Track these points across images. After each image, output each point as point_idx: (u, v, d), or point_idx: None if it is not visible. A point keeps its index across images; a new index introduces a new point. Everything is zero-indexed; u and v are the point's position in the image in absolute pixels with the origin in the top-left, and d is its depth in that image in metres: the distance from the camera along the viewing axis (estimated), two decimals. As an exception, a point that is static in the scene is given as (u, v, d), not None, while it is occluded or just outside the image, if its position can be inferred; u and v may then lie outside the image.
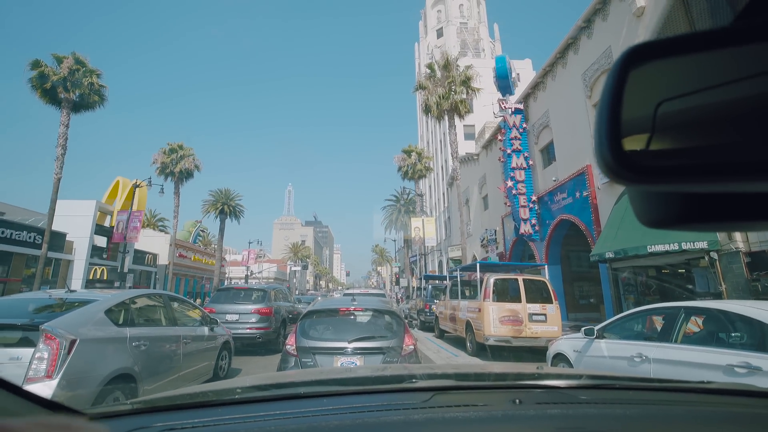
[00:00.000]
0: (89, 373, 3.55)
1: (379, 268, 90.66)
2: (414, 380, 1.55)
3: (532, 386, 1.46)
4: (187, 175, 30.07)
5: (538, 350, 8.39)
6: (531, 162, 17.53)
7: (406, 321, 5.61)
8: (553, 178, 15.76)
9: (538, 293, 9.30)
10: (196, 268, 36.93)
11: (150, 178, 25.74)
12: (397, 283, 40.39)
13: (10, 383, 0.78)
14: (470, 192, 26.69)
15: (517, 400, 1.23)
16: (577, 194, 14.10)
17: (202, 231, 54.36)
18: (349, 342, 4.40)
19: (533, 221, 17.06)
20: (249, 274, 44.49)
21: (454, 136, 20.64)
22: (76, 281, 22.28)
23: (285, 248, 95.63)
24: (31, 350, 3.16)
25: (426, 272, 29.71)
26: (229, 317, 9.70)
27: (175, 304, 5.89)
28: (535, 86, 17.33)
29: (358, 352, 4.38)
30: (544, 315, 8.99)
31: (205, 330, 6.28)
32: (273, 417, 1.13)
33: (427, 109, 21.46)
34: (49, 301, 4.35)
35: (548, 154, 16.84)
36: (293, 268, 69.99)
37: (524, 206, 17.17)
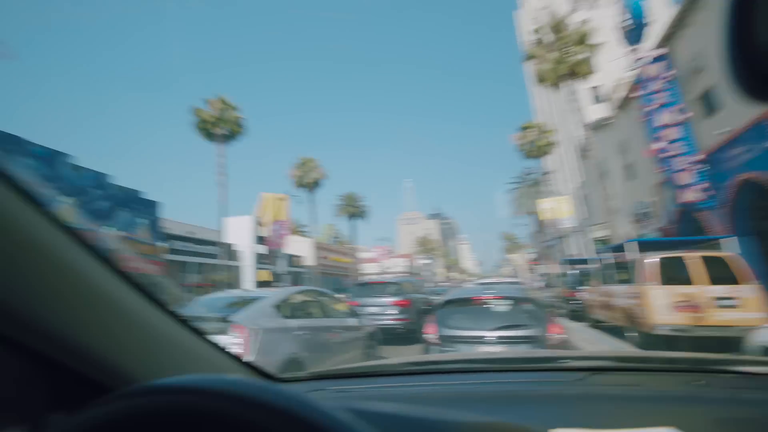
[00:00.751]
0: (270, 357, 4.21)
1: (510, 256, 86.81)
2: (565, 361, 1.46)
3: (717, 371, 1.23)
4: (316, 184, 33.70)
5: (731, 342, 6.90)
6: (688, 114, 14.54)
7: (551, 310, 5.22)
8: (721, 131, 12.78)
9: (722, 272, 7.66)
10: (335, 267, 40.88)
11: (289, 192, 29.80)
12: (533, 270, 37.99)
13: (234, 354, 0.98)
14: (609, 162, 23.50)
15: (703, 381, 1.07)
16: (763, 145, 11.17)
17: (337, 232, 59.92)
18: (491, 331, 4.29)
19: (700, 186, 14.12)
20: (383, 270, 47.34)
21: (578, 103, 18.44)
22: (248, 284, 27.01)
23: (411, 242, 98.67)
24: (227, 338, 3.90)
25: (566, 256, 27.26)
26: (370, 309, 10.38)
27: (325, 299, 6.55)
28: (678, 24, 14.27)
29: (500, 341, 4.24)
30: (736, 299, 7.35)
31: (352, 321, 6.84)
32: (426, 385, 1.23)
33: (541, 78, 19.62)
34: (233, 299, 5.28)
35: (707, 102, 13.71)
36: (422, 261, 71.74)
37: (684, 169, 14.34)
